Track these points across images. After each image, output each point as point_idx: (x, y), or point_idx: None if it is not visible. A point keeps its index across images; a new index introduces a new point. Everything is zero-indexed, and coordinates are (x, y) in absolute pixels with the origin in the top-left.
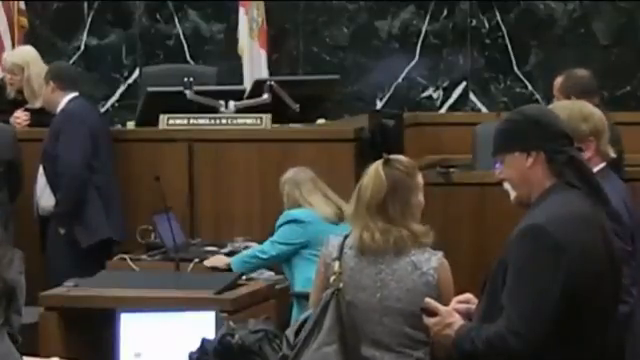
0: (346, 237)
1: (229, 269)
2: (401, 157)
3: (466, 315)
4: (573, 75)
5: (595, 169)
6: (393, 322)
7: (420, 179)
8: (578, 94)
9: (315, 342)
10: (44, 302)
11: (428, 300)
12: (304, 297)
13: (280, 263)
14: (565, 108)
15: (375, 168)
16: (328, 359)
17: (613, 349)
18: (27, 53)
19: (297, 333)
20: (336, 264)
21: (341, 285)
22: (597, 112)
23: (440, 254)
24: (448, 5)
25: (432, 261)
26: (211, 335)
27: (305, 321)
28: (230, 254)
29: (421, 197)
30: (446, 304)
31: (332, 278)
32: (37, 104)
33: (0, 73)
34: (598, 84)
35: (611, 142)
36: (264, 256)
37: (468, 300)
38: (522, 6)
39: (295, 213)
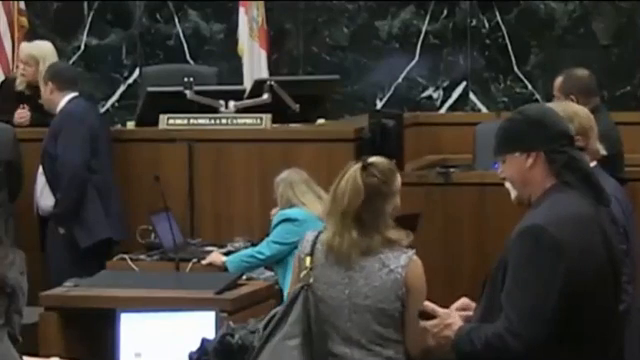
0: (319, 233)
1: (225, 269)
2: (380, 161)
3: (466, 322)
4: (573, 75)
5: None
6: (362, 319)
7: (398, 183)
8: (578, 94)
9: (279, 334)
10: (44, 302)
11: (426, 303)
12: None
13: (274, 263)
14: None
15: (353, 175)
16: (290, 352)
17: (613, 349)
18: (45, 47)
19: (266, 325)
20: (307, 259)
21: (311, 280)
22: (581, 111)
23: (411, 252)
24: (448, 5)
25: (401, 259)
26: (211, 335)
27: (275, 314)
28: (228, 254)
29: (397, 201)
30: (418, 302)
31: (303, 273)
32: None
33: (1, 74)
34: (598, 84)
35: (611, 142)
36: (261, 256)
37: (466, 306)
38: (522, 6)
39: (290, 212)
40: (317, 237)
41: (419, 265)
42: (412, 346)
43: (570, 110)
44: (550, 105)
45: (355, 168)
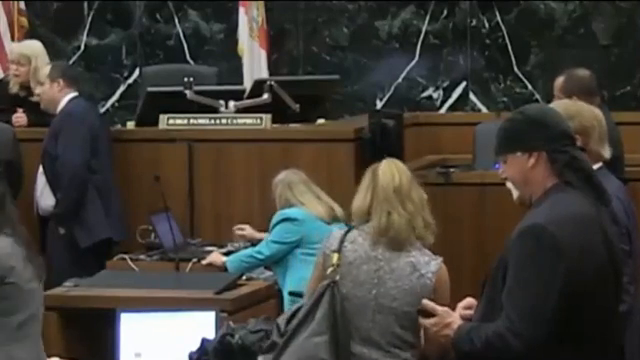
0: (348, 231)
1: (225, 269)
2: None
3: (467, 321)
4: (574, 75)
5: None
6: (385, 320)
7: None
8: (579, 94)
9: (306, 331)
10: (44, 302)
11: (425, 301)
12: (299, 295)
13: (273, 262)
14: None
15: (391, 162)
16: (317, 349)
17: (614, 349)
18: (35, 46)
19: (289, 321)
20: (335, 256)
21: (337, 277)
22: (585, 110)
23: (440, 260)
24: (448, 5)
25: (432, 265)
26: (211, 335)
27: (298, 310)
28: (228, 254)
29: None
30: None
31: (329, 270)
32: None
33: (1, 73)
34: (598, 84)
35: (612, 143)
36: (260, 256)
37: (471, 305)
38: (522, 6)
39: (289, 212)
40: (345, 235)
41: (446, 273)
42: (431, 349)
43: (573, 108)
44: (554, 103)
45: (386, 160)
